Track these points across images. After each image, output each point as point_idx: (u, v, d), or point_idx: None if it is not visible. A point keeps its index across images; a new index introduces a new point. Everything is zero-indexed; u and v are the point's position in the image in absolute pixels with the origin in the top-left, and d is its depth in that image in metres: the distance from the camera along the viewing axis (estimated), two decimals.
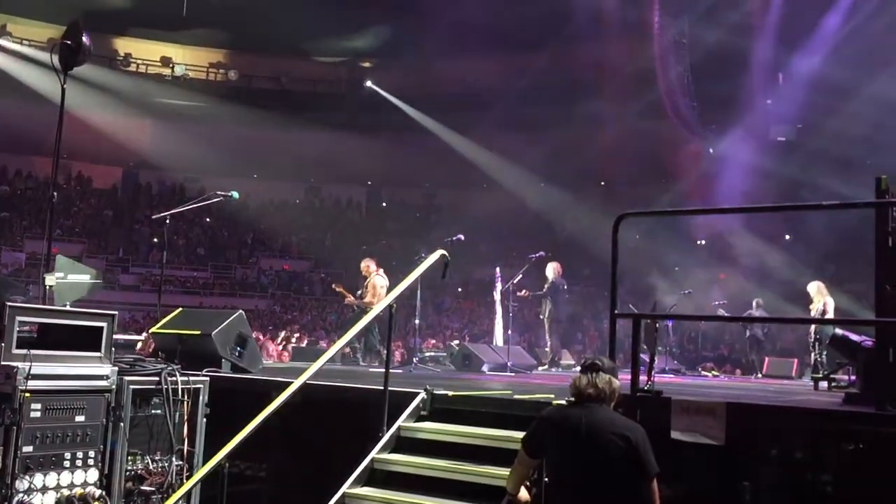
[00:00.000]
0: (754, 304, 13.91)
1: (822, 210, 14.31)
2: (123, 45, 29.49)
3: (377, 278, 11.70)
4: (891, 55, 18.55)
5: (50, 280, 5.80)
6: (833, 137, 19.70)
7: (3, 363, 4.52)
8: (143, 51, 29.78)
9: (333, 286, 12.54)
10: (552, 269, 12.48)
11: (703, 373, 14.64)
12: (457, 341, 16.69)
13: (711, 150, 22.57)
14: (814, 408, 5.37)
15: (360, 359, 11.84)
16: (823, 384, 9.23)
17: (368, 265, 11.93)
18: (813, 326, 10.92)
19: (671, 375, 12.30)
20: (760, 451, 4.63)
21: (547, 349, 12.71)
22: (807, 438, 4.57)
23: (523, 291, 12.25)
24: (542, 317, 12.60)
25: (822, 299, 10.79)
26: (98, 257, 27.61)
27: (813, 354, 10.66)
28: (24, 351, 4.58)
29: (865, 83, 18.69)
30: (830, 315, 10.80)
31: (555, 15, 21.77)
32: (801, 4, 19.14)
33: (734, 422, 4.63)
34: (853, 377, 8.21)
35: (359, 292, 11.96)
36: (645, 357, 6.45)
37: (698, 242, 24.05)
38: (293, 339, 18.75)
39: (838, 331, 7.65)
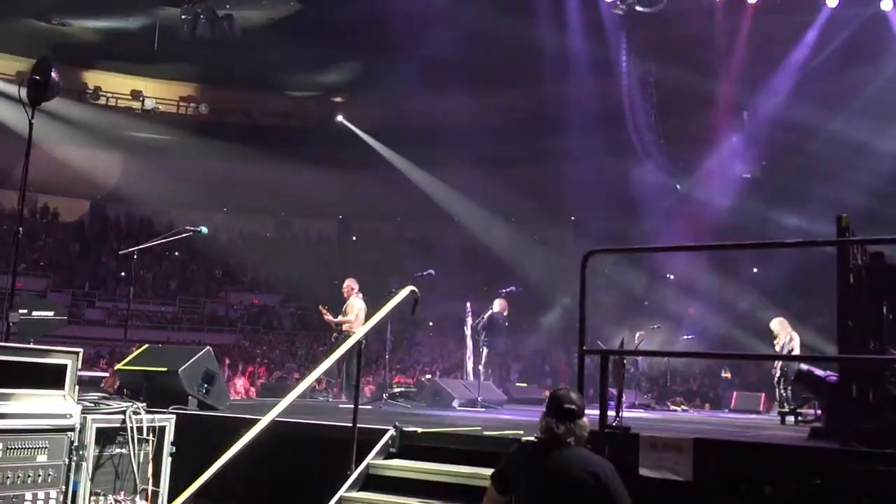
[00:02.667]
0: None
1: (787, 248, 14.55)
2: (93, 77, 29.36)
3: (356, 300, 11.61)
4: (850, 95, 19.06)
5: (14, 317, 5.72)
6: (796, 174, 20.12)
7: None
8: (113, 84, 29.66)
9: (319, 307, 12.35)
10: (497, 304, 12.67)
11: (673, 407, 14.70)
12: (427, 376, 16.63)
13: (679, 187, 22.91)
14: (780, 443, 5.43)
15: (329, 395, 11.75)
16: (790, 419, 9.34)
17: (351, 286, 11.81)
18: (778, 362, 11.04)
19: (641, 410, 12.34)
20: (728, 486, 4.66)
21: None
22: (773, 474, 4.61)
23: (469, 317, 12.61)
24: (481, 349, 12.66)
25: (786, 334, 10.93)
26: (64, 291, 27.21)
27: (778, 389, 10.77)
28: None
29: (828, 122, 19.15)
30: (797, 350, 10.93)
31: (524, 53, 22.09)
32: (765, 44, 19.62)
33: (701, 457, 4.66)
34: (818, 412, 8.31)
35: (339, 317, 11.88)
36: (613, 392, 6.48)
37: (667, 276, 24.30)
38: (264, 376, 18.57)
39: (803, 366, 7.76)
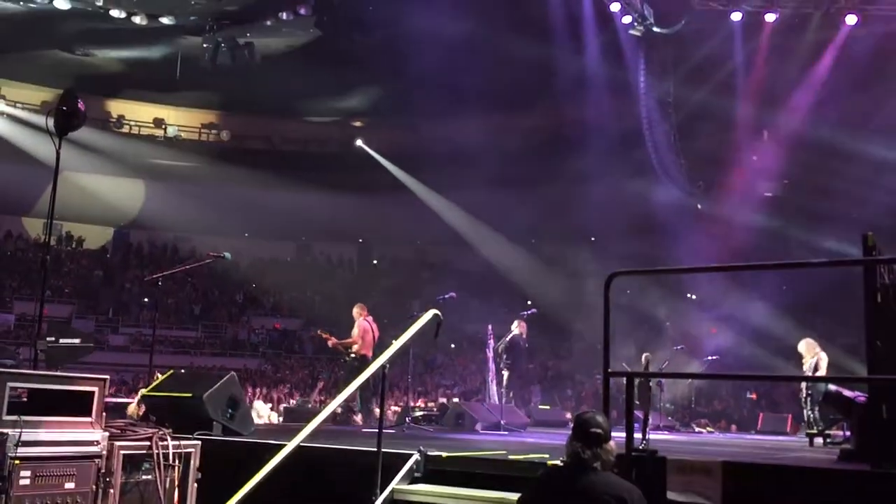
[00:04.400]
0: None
1: (812, 267, 14.39)
2: (116, 106, 29.81)
3: (362, 321, 11.78)
4: (871, 112, 18.94)
5: (42, 345, 5.77)
6: (819, 193, 19.97)
7: None
8: (136, 112, 30.09)
9: (319, 332, 12.57)
10: (516, 327, 12.67)
11: (698, 429, 14.53)
12: (455, 399, 16.58)
13: (700, 206, 22.79)
14: (810, 466, 5.35)
15: (351, 418, 11.75)
16: (819, 440, 9.20)
17: (360, 311, 11.98)
18: (805, 383, 10.90)
19: (665, 432, 12.22)
20: None
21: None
22: (804, 497, 4.54)
23: (490, 339, 12.60)
24: (502, 371, 12.63)
25: (814, 356, 10.79)
26: (88, 318, 27.46)
27: (805, 410, 10.62)
28: (14, 417, 4.53)
29: (849, 140, 19.03)
30: (823, 370, 10.79)
31: (542, 76, 22.16)
32: (784, 63, 19.57)
33: (730, 481, 4.60)
34: (847, 433, 8.19)
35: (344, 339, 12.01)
36: (639, 414, 6.43)
37: (689, 296, 24.12)
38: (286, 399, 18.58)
39: (832, 387, 7.66)
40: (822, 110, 19.20)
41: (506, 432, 10.37)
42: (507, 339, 12.59)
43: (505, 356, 12.49)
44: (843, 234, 15.19)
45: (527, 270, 28.48)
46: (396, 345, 6.07)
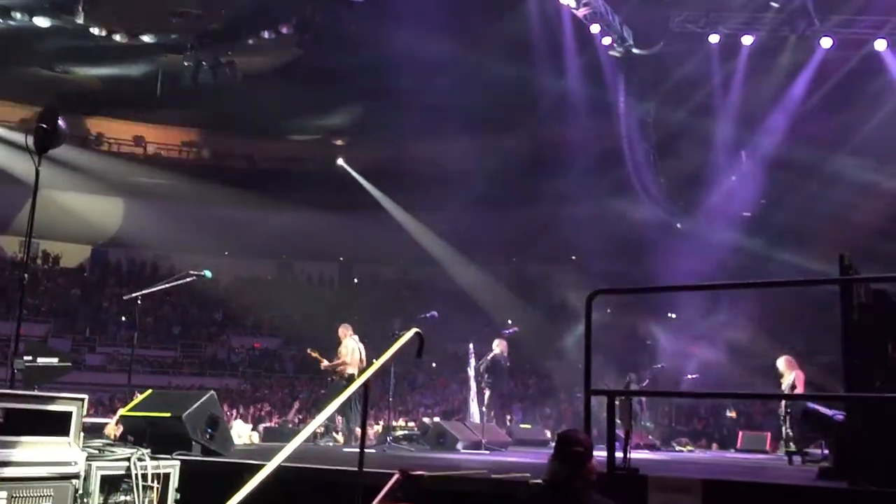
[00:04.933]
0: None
1: (789, 286, 14.56)
2: (96, 124, 29.66)
3: (349, 341, 11.80)
4: (847, 134, 19.23)
5: (19, 364, 5.71)
6: (797, 213, 20.22)
7: None
8: (115, 130, 29.96)
9: (308, 351, 12.52)
10: (497, 345, 12.67)
11: (678, 448, 14.57)
12: (436, 418, 16.52)
13: (679, 226, 22.99)
14: (788, 483, 5.38)
15: (332, 438, 11.69)
16: (797, 458, 9.26)
17: (345, 331, 12.00)
18: (783, 401, 10.98)
19: (646, 451, 12.24)
20: None
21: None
22: None
23: (471, 358, 12.61)
24: (483, 390, 12.60)
25: (792, 373, 10.87)
26: (64, 337, 27.15)
27: (784, 428, 10.68)
28: None
29: (825, 161, 19.31)
30: (801, 388, 10.86)
31: (524, 96, 22.33)
32: (761, 84, 19.85)
33: (710, 499, 4.62)
34: (826, 451, 8.25)
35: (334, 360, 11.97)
36: (620, 433, 6.44)
37: (669, 315, 24.26)
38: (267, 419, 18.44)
39: (810, 405, 7.72)
40: (800, 131, 19.47)
41: (487, 451, 10.35)
42: (489, 357, 12.59)
43: (486, 375, 12.49)
44: (821, 253, 15.36)
45: (508, 289, 28.56)
46: (378, 363, 6.06)
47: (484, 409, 12.39)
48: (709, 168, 21.36)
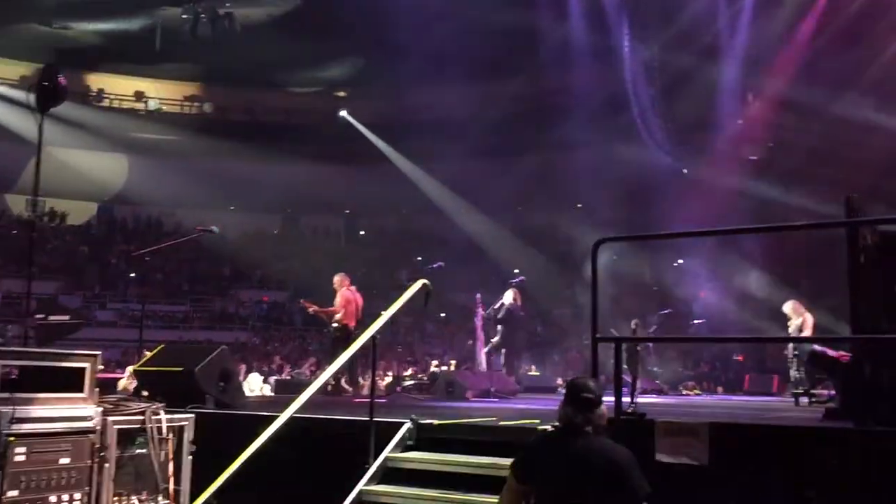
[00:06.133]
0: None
1: (797, 230, 14.49)
2: (96, 80, 29.43)
3: (344, 291, 11.71)
4: (854, 73, 18.95)
5: (31, 322, 5.77)
6: (804, 155, 20.02)
7: None
8: (116, 86, 29.73)
9: (301, 301, 12.59)
10: (510, 295, 12.63)
11: (685, 392, 14.70)
12: (443, 367, 16.67)
13: (685, 171, 22.83)
14: (795, 425, 5.45)
15: (342, 389, 11.79)
16: (804, 400, 9.35)
17: (341, 279, 11.89)
18: (790, 344, 11.04)
19: (654, 396, 12.36)
20: (744, 469, 4.69)
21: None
22: (789, 455, 4.64)
23: (479, 308, 12.55)
24: (492, 339, 12.70)
25: (799, 317, 10.91)
26: (74, 294, 27.34)
27: (791, 371, 10.77)
28: (6, 394, 4.55)
29: (833, 101, 19.05)
30: (809, 331, 10.91)
31: (526, 42, 22.03)
32: (768, 25, 19.53)
33: (717, 441, 4.69)
34: (832, 392, 8.32)
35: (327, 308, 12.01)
36: (627, 379, 6.51)
37: (676, 261, 24.26)
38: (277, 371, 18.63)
39: (816, 347, 7.76)
40: (808, 72, 19.19)
41: (496, 399, 10.46)
42: (502, 306, 12.55)
43: (500, 325, 12.47)
44: (828, 195, 15.26)
45: (513, 238, 28.55)
46: (387, 314, 6.11)
47: (495, 357, 12.46)
48: (715, 112, 21.11)
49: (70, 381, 4.96)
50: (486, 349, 12.66)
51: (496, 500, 4.31)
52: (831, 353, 7.28)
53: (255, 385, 15.64)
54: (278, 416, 5.43)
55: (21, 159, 23.45)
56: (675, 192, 22.37)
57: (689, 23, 19.83)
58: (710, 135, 21.67)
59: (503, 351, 12.76)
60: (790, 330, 11.05)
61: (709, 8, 19.30)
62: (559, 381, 14.50)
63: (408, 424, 5.85)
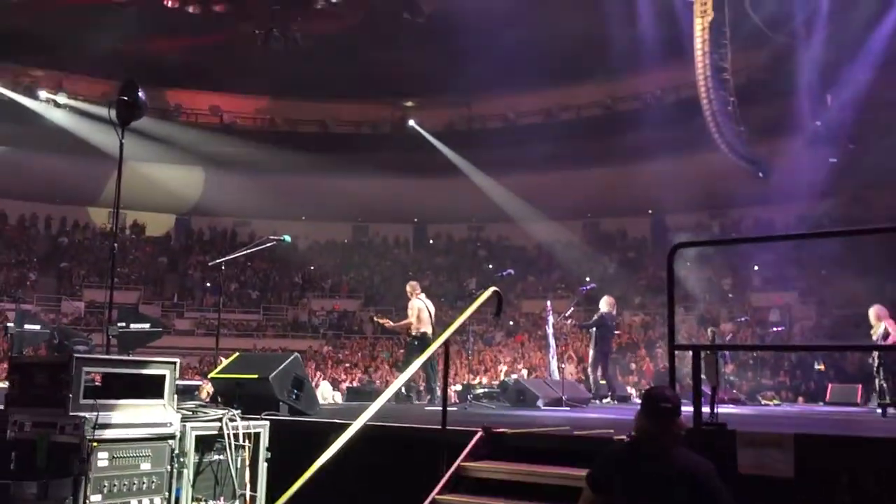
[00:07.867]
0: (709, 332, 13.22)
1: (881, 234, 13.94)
2: (173, 95, 30.31)
3: (415, 300, 11.55)
4: None
5: (113, 330, 5.93)
6: (886, 155, 19.28)
7: (71, 413, 4.61)
8: (192, 101, 30.56)
9: (372, 316, 12.66)
10: (605, 303, 12.46)
11: (764, 402, 14.27)
12: (514, 375, 16.56)
13: (762, 175, 22.21)
14: (884, 437, 5.20)
15: (413, 397, 11.82)
16: (892, 410, 8.97)
17: (412, 290, 11.80)
18: (875, 352, 10.61)
19: (731, 406, 12.03)
20: (831, 482, 4.49)
21: (602, 381, 12.58)
22: (881, 469, 4.43)
23: (570, 321, 12.31)
24: (591, 349, 12.58)
25: (882, 323, 10.48)
26: (154, 303, 28.19)
27: (877, 380, 10.34)
28: (90, 401, 4.68)
29: None
30: (894, 337, 10.47)
31: (596, 47, 21.77)
32: (846, 22, 18.87)
33: (803, 453, 4.50)
34: None
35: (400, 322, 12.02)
36: (706, 388, 6.32)
37: (753, 267, 23.63)
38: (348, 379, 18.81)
39: None
40: (889, 69, 18.48)
41: (567, 408, 10.33)
42: (597, 315, 12.40)
43: (594, 332, 12.36)
44: None
45: (583, 246, 28.30)
46: (458, 321, 6.08)
47: (584, 366, 12.29)
48: (792, 114, 20.47)
49: (151, 388, 5.08)
50: (588, 363, 12.43)
51: None
52: None
53: (326, 393, 15.81)
54: (351, 424, 5.45)
55: (103, 173, 24.33)
56: (750, 197, 21.82)
57: (763, 21, 19.31)
58: (787, 137, 21.05)
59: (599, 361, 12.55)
60: (874, 337, 10.61)
61: (784, 5, 18.74)
62: (630, 390, 14.25)
63: (480, 433, 5.80)
